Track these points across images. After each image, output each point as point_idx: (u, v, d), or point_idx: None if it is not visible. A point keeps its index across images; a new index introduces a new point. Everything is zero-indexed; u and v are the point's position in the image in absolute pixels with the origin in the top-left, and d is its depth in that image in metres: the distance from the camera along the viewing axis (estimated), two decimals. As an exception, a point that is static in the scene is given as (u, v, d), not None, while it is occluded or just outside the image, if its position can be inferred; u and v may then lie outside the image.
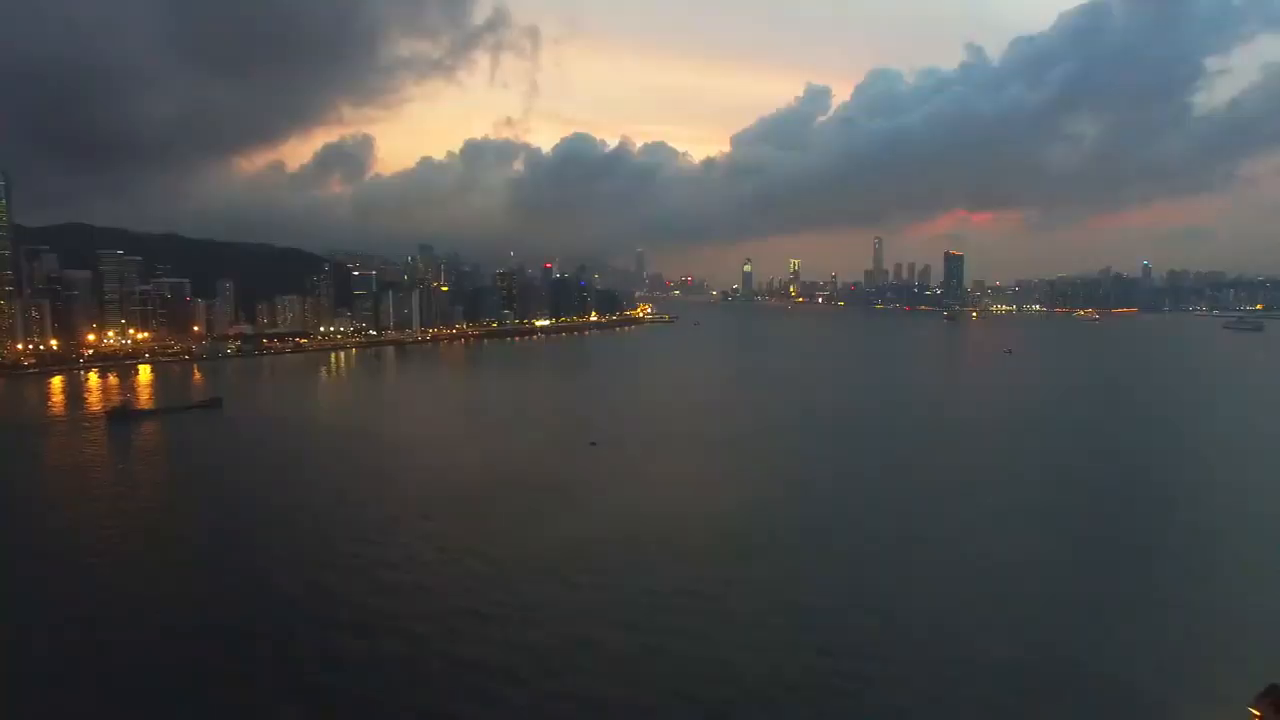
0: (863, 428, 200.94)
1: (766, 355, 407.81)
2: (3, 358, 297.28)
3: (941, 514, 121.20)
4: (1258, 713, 47.31)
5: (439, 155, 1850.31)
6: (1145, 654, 74.54)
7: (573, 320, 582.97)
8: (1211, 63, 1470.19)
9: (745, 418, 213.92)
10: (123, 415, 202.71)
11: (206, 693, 68.09)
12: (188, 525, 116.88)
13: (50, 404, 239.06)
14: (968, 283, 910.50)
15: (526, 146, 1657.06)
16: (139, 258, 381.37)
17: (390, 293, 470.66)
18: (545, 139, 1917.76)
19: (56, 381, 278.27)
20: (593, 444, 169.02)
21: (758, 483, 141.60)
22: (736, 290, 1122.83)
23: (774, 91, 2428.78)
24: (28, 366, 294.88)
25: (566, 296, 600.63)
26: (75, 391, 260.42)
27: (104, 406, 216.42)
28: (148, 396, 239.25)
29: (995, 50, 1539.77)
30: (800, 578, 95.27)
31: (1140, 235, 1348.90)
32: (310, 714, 64.83)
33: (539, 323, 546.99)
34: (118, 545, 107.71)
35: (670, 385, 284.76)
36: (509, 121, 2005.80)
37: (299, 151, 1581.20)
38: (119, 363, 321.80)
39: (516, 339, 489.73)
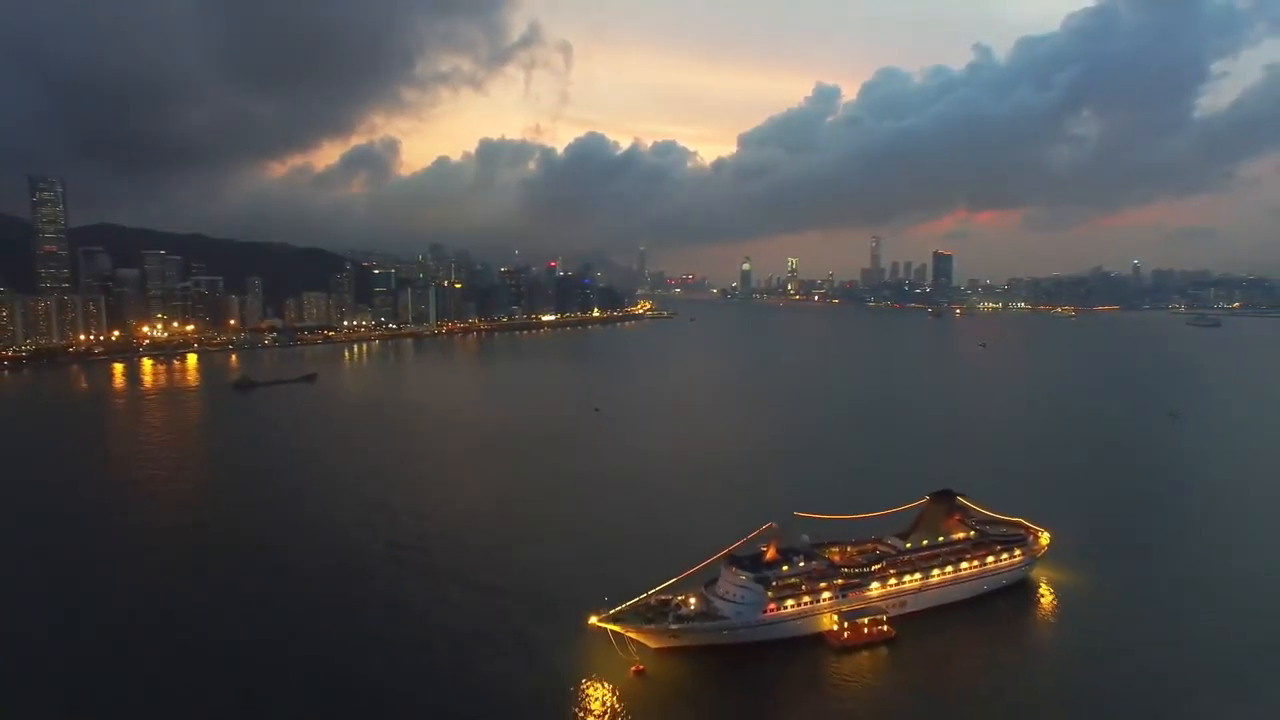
0: (816, 405, 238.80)
1: (749, 345, 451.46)
2: (76, 348, 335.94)
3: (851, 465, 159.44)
4: (928, 499, 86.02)
5: (456, 156, 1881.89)
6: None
7: (577, 316, 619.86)
8: (1217, 66, 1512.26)
9: (718, 391, 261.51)
10: (245, 385, 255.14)
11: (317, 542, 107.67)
12: (311, 455, 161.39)
13: (157, 382, 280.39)
14: (961, 281, 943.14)
15: (541, 147, 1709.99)
16: (178, 257, 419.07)
17: (409, 290, 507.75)
18: (559, 139, 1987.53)
19: (119, 367, 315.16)
20: (596, 410, 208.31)
21: (718, 433, 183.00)
22: (736, 288, 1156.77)
23: (784, 90, 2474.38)
24: (98, 354, 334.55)
25: (570, 293, 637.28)
26: (153, 374, 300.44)
27: (230, 379, 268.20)
28: (256, 373, 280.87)
29: (1003, 50, 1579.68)
30: (740, 486, 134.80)
31: (1140, 235, 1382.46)
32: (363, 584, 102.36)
33: (545, 318, 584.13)
34: (281, 464, 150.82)
35: (662, 369, 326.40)
36: (538, 129, 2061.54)
37: (329, 156, 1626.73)
38: (171, 351, 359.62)
39: (525, 333, 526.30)
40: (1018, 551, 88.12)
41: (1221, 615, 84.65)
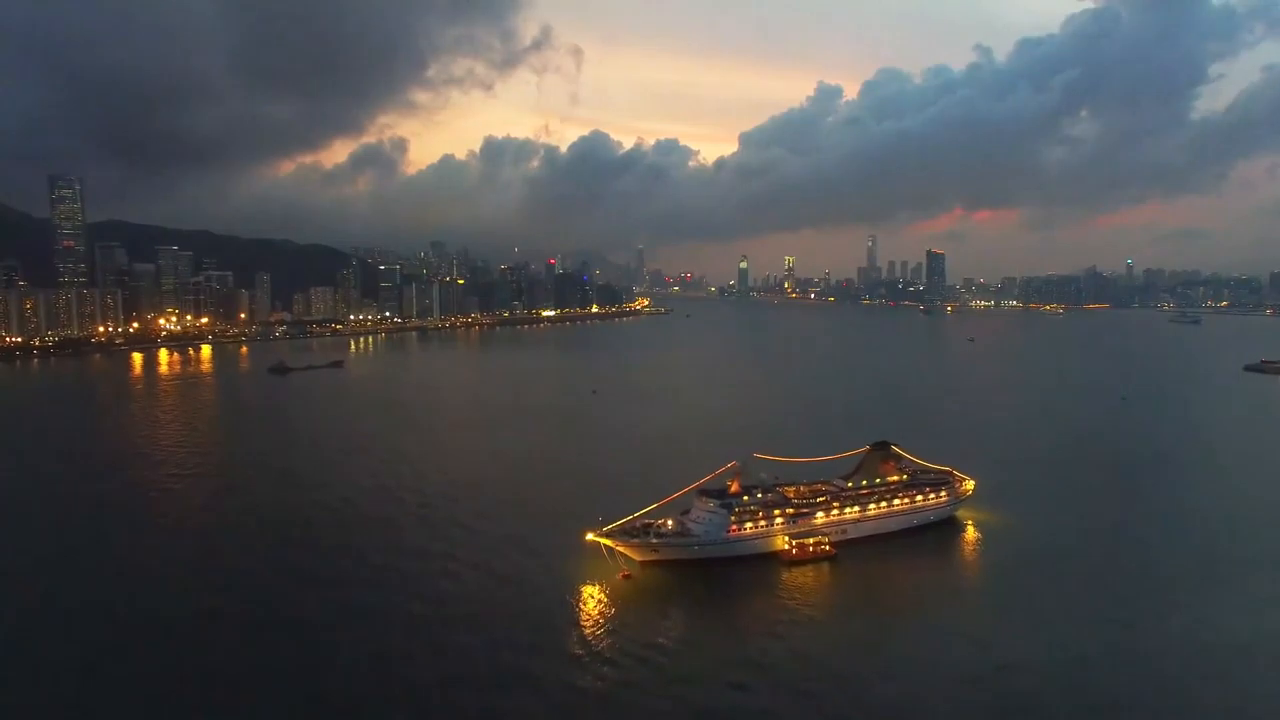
0: (798, 388, 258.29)
1: (741, 340, 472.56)
2: (98, 338, 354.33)
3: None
4: (868, 447, 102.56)
5: (462, 155, 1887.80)
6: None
7: (575, 311, 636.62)
8: (1215, 68, 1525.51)
9: (707, 378, 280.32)
10: (279, 370, 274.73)
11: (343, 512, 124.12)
12: (343, 426, 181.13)
13: (185, 370, 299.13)
14: (955, 280, 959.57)
15: (545, 145, 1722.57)
16: (190, 252, 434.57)
17: (413, 285, 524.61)
18: (565, 139, 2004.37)
19: (139, 357, 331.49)
20: (594, 392, 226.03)
21: (701, 409, 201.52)
22: (733, 286, 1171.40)
23: (787, 90, 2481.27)
24: (119, 345, 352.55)
25: (569, 290, 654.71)
26: (176, 363, 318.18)
27: (266, 365, 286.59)
28: (288, 360, 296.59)
29: (1003, 50, 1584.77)
30: (716, 445, 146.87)
31: (1136, 235, 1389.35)
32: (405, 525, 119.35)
33: (545, 313, 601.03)
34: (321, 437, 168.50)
35: (655, 359, 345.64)
36: (547, 129, 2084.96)
37: (338, 155, 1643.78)
38: (187, 342, 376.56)
39: (525, 327, 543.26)
40: (944, 493, 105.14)
41: (1111, 551, 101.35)
